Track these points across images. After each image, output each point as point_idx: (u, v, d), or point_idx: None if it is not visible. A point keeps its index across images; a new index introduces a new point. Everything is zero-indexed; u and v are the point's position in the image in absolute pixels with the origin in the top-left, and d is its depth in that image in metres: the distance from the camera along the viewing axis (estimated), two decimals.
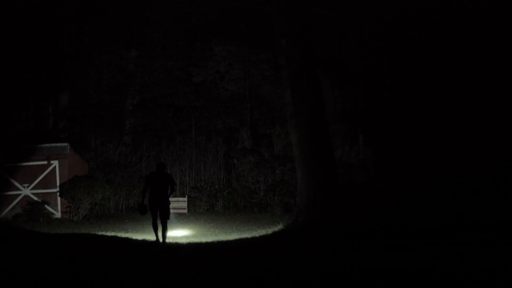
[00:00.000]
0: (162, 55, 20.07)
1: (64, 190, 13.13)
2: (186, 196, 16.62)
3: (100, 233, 10.31)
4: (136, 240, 8.73)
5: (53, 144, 14.08)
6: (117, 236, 9.20)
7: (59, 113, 18.14)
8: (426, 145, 12.15)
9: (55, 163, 13.47)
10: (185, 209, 15.89)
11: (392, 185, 11.77)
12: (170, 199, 8.00)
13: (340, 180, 11.08)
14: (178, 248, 7.92)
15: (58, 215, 13.26)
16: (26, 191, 13.18)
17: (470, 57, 11.82)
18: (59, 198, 13.27)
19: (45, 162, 13.45)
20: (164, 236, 7.77)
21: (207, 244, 8.22)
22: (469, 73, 11.81)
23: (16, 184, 13.16)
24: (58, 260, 6.53)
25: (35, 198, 13.10)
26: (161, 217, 7.78)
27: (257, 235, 9.75)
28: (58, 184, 13.30)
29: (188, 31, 19.28)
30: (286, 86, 11.22)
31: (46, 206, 13.06)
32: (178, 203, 15.82)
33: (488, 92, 11.54)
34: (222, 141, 18.54)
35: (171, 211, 8.18)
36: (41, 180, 13.32)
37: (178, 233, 10.86)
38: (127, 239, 8.84)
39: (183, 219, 14.23)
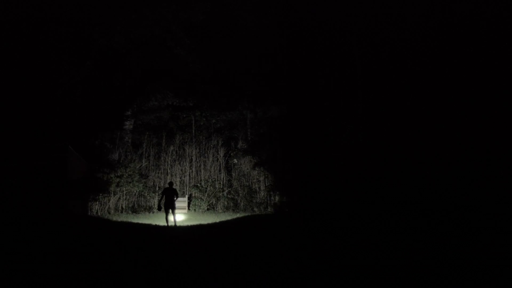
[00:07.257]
0: (162, 53, 20.02)
1: (64, 190, 13.13)
2: (187, 196, 16.59)
3: None
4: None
5: (53, 144, 14.05)
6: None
7: (59, 112, 18.09)
8: (424, 144, 12.10)
9: (55, 163, 13.43)
10: (185, 209, 15.86)
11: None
12: None
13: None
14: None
15: None
16: (26, 191, 13.14)
17: (469, 57, 11.76)
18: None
19: (45, 162, 13.41)
20: (174, 221, 12.49)
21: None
22: (469, 73, 11.76)
23: (16, 184, 13.12)
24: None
25: (36, 198, 13.07)
26: (172, 212, 12.50)
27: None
28: (58, 184, 13.26)
29: (188, 30, 19.21)
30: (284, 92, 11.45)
31: (46, 206, 13.04)
32: (178, 203, 15.76)
33: (487, 92, 11.48)
34: (222, 140, 18.50)
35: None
36: (41, 180, 13.29)
37: None
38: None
39: (182, 219, 14.18)
